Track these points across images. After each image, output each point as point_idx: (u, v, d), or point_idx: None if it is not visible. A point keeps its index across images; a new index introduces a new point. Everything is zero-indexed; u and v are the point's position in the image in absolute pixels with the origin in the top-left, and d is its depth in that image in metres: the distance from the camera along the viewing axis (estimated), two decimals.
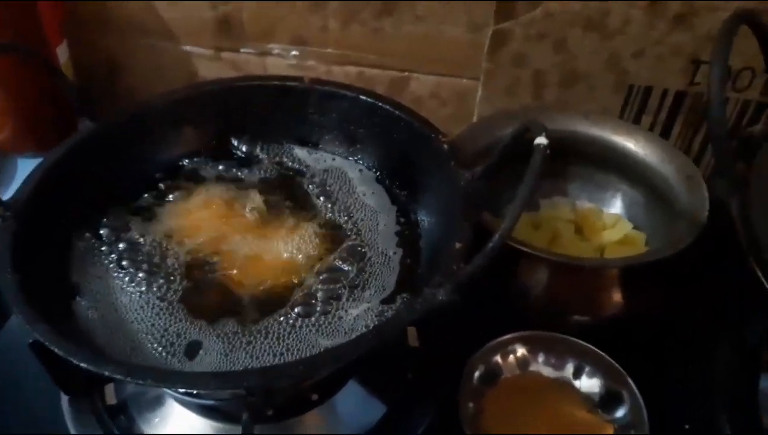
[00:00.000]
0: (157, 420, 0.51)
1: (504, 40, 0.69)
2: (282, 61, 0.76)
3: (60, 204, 0.51)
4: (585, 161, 0.65)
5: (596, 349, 0.53)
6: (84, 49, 0.79)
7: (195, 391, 0.46)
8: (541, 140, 0.41)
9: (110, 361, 0.41)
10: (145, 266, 0.50)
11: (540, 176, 0.40)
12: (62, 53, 0.76)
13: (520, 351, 0.55)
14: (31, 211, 0.48)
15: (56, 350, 0.38)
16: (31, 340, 0.46)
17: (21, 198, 0.48)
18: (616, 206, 0.66)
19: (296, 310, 0.47)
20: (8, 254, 0.44)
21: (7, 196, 0.48)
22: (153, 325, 0.46)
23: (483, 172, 0.48)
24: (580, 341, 0.54)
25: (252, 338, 0.45)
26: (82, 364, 0.38)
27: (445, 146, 0.52)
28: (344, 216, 0.55)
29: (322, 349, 0.45)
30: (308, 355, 0.45)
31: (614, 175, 0.66)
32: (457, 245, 0.44)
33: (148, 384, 0.38)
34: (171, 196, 0.56)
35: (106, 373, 0.37)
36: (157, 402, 0.51)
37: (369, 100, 0.57)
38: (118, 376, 0.38)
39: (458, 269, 0.42)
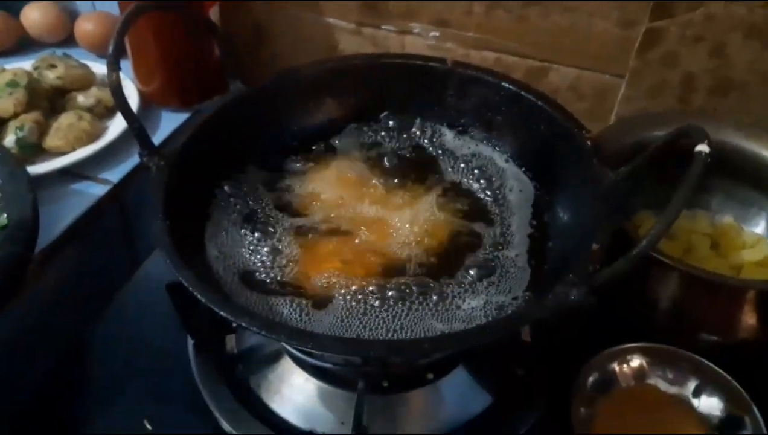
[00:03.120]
0: (271, 375, 0.53)
1: (657, 39, 0.65)
2: (421, 40, 0.76)
3: (207, 158, 0.53)
4: (731, 175, 0.61)
5: (721, 371, 0.51)
6: (233, 14, 0.82)
7: (321, 353, 0.47)
8: (702, 148, 0.39)
9: (247, 312, 0.43)
10: (272, 226, 0.52)
11: (698, 186, 0.38)
12: (213, 16, 0.79)
13: (639, 362, 0.53)
14: (182, 161, 0.50)
15: (199, 297, 0.40)
16: (168, 282, 0.49)
17: (174, 148, 0.51)
18: (759, 226, 0.62)
19: (414, 289, 0.48)
20: (161, 201, 0.47)
21: None
22: (278, 280, 0.48)
23: (628, 173, 0.47)
24: (705, 360, 0.51)
25: (368, 309, 0.46)
26: (221, 313, 0.39)
27: (589, 143, 0.50)
28: (476, 202, 0.55)
29: (437, 332, 0.45)
30: (422, 334, 0.45)
31: (761, 193, 0.61)
32: (594, 246, 0.42)
33: (281, 340, 0.39)
34: (306, 162, 0.58)
35: (242, 324, 0.39)
36: (274, 358, 0.53)
37: (512, 88, 0.56)
38: (253, 329, 0.39)
39: (595, 271, 0.41)
